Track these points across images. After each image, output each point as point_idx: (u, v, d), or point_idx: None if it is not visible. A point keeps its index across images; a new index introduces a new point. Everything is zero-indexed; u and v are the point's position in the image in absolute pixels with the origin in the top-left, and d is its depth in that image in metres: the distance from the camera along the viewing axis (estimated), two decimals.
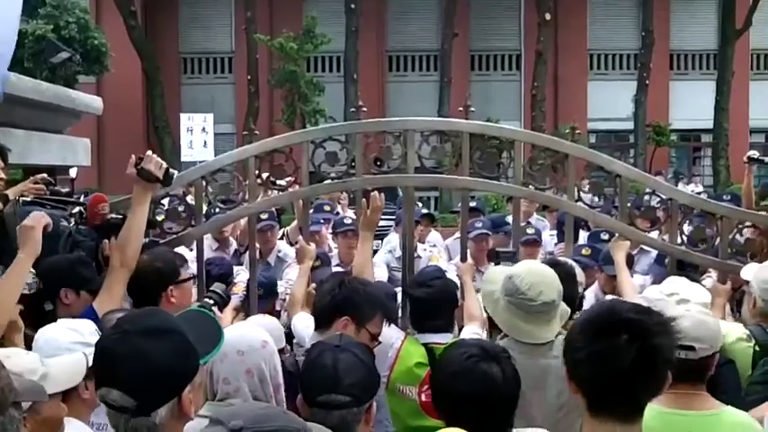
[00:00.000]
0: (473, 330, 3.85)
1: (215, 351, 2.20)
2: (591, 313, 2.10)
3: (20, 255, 3.14)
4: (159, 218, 4.32)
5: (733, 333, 3.52)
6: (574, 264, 4.62)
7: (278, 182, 4.62)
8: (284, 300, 4.86)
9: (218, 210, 4.67)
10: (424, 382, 3.63)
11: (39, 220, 3.27)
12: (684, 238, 4.54)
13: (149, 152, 3.79)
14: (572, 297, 3.53)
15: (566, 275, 3.97)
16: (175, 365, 1.95)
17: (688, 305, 3.42)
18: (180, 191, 4.69)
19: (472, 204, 7.06)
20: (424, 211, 7.84)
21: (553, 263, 4.35)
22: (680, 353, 2.73)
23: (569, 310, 3.34)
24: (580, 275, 4.76)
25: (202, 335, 2.12)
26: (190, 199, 4.87)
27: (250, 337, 2.84)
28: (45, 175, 4.38)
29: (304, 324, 4.02)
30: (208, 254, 5.53)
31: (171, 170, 3.79)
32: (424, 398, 3.62)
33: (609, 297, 4.23)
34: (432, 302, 3.74)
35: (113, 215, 3.87)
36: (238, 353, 2.76)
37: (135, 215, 3.69)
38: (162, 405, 1.93)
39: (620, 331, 1.97)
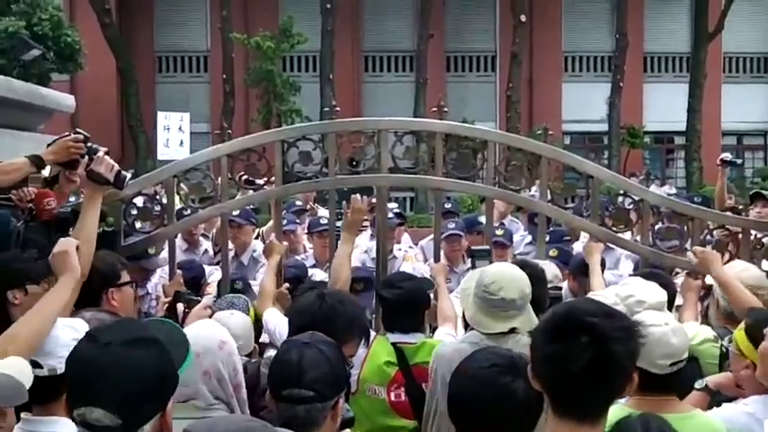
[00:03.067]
0: (447, 331, 3.87)
1: (186, 363, 2.18)
2: (554, 313, 2.09)
3: (62, 278, 2.98)
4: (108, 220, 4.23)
5: (701, 334, 3.56)
6: (548, 264, 4.66)
7: (256, 181, 4.60)
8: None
9: (189, 209, 4.64)
10: (394, 381, 3.64)
11: (69, 243, 3.13)
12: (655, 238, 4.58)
13: (100, 153, 3.60)
14: (540, 299, 3.55)
15: (534, 278, 3.99)
16: (162, 375, 1.92)
17: (645, 306, 3.48)
18: (152, 190, 4.65)
19: (447, 206, 7.07)
20: (396, 210, 7.82)
21: (522, 264, 4.38)
22: (673, 368, 2.78)
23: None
24: (553, 272, 4.81)
25: (172, 346, 2.09)
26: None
27: (206, 338, 2.82)
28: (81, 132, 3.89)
29: (275, 321, 4.01)
30: (178, 255, 5.50)
31: (123, 173, 3.64)
32: (393, 397, 3.63)
33: None
34: (401, 303, 3.74)
35: (61, 209, 3.76)
36: (194, 355, 2.73)
37: (85, 218, 3.45)
38: (147, 422, 1.89)
39: (578, 334, 1.95)
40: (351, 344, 3.18)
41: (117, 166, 3.59)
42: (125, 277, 3.57)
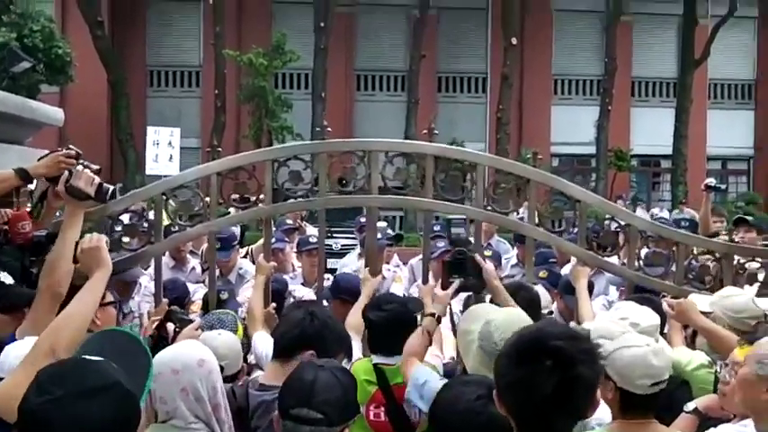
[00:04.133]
0: (434, 353, 3.86)
1: (148, 383, 2.14)
2: (518, 339, 2.08)
3: (97, 274, 2.99)
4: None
5: (696, 360, 3.56)
6: (540, 289, 4.68)
7: (249, 197, 4.58)
8: (243, 318, 4.83)
9: (177, 227, 4.63)
10: (373, 399, 3.64)
11: (99, 238, 3.13)
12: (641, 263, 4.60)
13: (79, 167, 3.50)
14: (535, 321, 3.54)
15: (529, 301, 4.02)
16: (119, 423, 1.87)
17: (638, 329, 3.50)
18: (140, 207, 4.64)
19: (436, 229, 7.10)
20: (390, 232, 7.83)
21: (518, 287, 4.40)
22: (654, 388, 2.79)
23: None
24: (545, 297, 4.83)
25: (131, 364, 2.07)
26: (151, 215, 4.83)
27: (185, 356, 2.81)
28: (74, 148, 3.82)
29: (265, 345, 3.99)
30: (165, 273, 5.48)
31: (106, 185, 3.52)
32: (372, 416, 3.63)
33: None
34: (386, 325, 3.73)
35: (36, 233, 3.68)
36: (173, 371, 2.73)
37: (65, 235, 3.30)
38: None
39: (542, 358, 1.96)
40: (338, 358, 3.26)
41: (98, 180, 3.49)
42: (109, 297, 3.56)
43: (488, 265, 4.07)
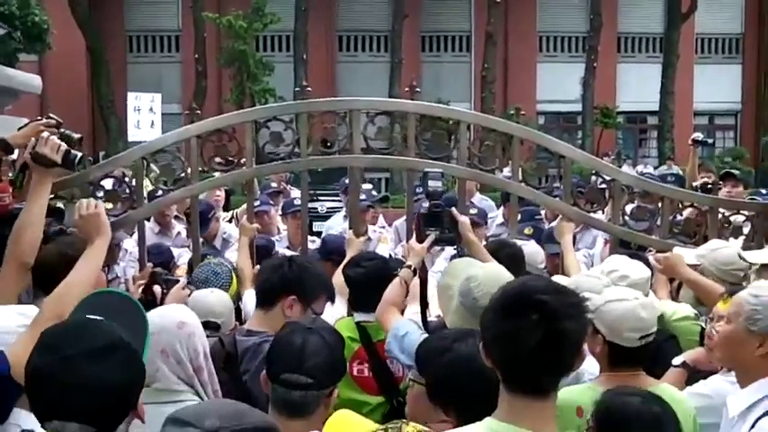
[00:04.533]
0: (414, 311, 3.84)
1: (147, 341, 2.15)
2: (503, 293, 2.08)
3: (97, 242, 3.02)
4: (59, 204, 4.13)
5: (680, 311, 3.58)
6: (533, 245, 4.68)
7: (232, 160, 4.52)
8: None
9: (161, 192, 4.58)
10: (356, 356, 3.68)
11: (97, 204, 3.17)
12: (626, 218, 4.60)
13: (45, 133, 3.41)
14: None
15: (512, 257, 4.01)
16: (129, 382, 1.88)
17: (627, 281, 3.51)
18: (120, 172, 4.58)
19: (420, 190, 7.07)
20: (375, 193, 7.80)
21: (501, 244, 4.39)
22: (642, 341, 2.82)
23: None
24: (539, 255, 4.84)
25: (128, 323, 2.07)
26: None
27: (164, 318, 2.80)
28: (54, 117, 3.77)
29: (254, 304, 3.98)
30: (150, 238, 5.45)
31: (73, 152, 3.41)
32: (356, 372, 3.67)
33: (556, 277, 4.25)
34: (364, 282, 3.74)
35: (17, 205, 3.54)
36: (151, 333, 2.71)
37: (31, 203, 3.24)
38: (122, 422, 1.88)
39: (528, 312, 1.95)
40: (320, 301, 3.34)
41: (65, 146, 3.39)
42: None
43: (464, 218, 4.05)
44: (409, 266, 3.75)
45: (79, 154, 3.50)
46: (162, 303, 3.73)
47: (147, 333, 2.22)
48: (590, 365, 3.04)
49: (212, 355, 3.03)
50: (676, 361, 3.21)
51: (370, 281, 3.70)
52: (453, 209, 4.10)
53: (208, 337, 3.47)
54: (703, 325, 3.44)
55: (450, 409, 2.43)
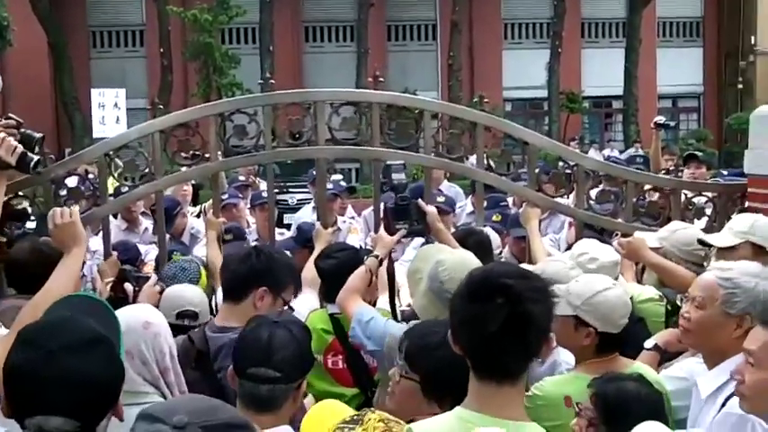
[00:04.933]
0: (386, 301, 3.86)
1: (121, 341, 2.14)
2: (471, 277, 2.10)
3: (74, 251, 2.96)
4: (21, 205, 4.08)
5: (645, 293, 3.62)
6: (488, 231, 4.70)
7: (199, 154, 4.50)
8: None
9: (127, 188, 4.56)
10: (330, 348, 3.67)
11: (73, 212, 3.08)
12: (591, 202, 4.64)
13: (2, 135, 3.39)
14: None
15: (480, 244, 4.04)
16: (112, 376, 1.87)
17: (597, 263, 3.55)
18: (83, 169, 4.54)
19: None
20: (344, 184, 7.81)
21: (468, 232, 4.42)
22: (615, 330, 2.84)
23: None
24: (495, 240, 4.86)
25: (103, 326, 2.03)
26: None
27: (130, 318, 2.74)
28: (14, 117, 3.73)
29: None
30: (117, 235, 5.41)
31: (30, 156, 3.40)
32: (330, 364, 3.67)
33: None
34: (336, 274, 3.71)
35: None
36: None
37: None
38: (104, 417, 1.87)
39: (493, 295, 1.97)
40: (288, 290, 3.28)
41: (21, 149, 3.37)
42: None
43: (431, 209, 4.07)
44: (376, 256, 3.76)
45: (36, 157, 3.46)
46: (135, 301, 3.68)
47: (120, 335, 2.20)
48: (567, 356, 3.08)
49: (182, 353, 3.00)
50: (648, 344, 3.23)
51: (342, 272, 3.68)
52: (420, 200, 4.11)
53: (186, 327, 3.49)
54: (668, 306, 3.50)
55: (447, 401, 2.39)
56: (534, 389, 2.81)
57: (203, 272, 4.18)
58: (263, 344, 2.42)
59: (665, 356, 3.21)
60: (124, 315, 2.75)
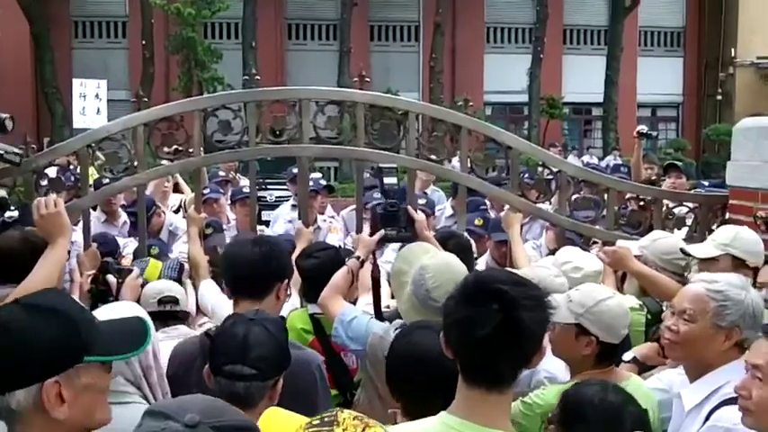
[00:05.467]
0: (368, 301, 3.85)
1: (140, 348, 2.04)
2: (465, 281, 2.10)
3: (59, 241, 2.96)
4: (0, 194, 4.06)
5: (626, 302, 3.61)
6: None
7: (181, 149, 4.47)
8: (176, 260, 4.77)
9: (109, 180, 4.53)
10: (310, 348, 3.62)
11: (57, 202, 3.07)
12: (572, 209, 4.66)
13: None
14: (468, 268, 3.55)
15: (461, 247, 4.04)
16: (31, 345, 1.75)
17: (582, 273, 3.55)
18: (64, 160, 4.51)
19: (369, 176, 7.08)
20: (323, 182, 7.79)
21: (448, 235, 4.42)
22: (615, 340, 2.85)
23: None
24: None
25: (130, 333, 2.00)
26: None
27: (112, 315, 2.71)
28: None
29: (212, 294, 3.94)
30: (96, 227, 5.37)
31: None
32: None
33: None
34: (317, 273, 3.70)
35: None
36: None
37: None
38: (17, 387, 1.75)
39: (488, 300, 1.96)
40: (285, 284, 3.15)
41: None
42: None
43: (420, 216, 4.06)
44: (357, 257, 3.75)
45: (3, 151, 3.43)
46: (118, 293, 3.65)
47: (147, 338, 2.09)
48: (548, 364, 3.06)
49: (199, 353, 2.89)
50: (627, 356, 3.21)
51: (323, 271, 3.66)
52: (409, 207, 4.09)
53: (169, 312, 3.51)
54: (648, 315, 3.51)
55: None
56: (534, 396, 2.81)
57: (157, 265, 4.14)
58: (239, 341, 2.40)
59: (642, 369, 3.22)
60: (106, 314, 2.73)
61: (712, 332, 2.61)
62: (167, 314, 3.56)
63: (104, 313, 2.70)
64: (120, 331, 1.97)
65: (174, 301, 3.60)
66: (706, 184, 6.49)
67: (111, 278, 3.76)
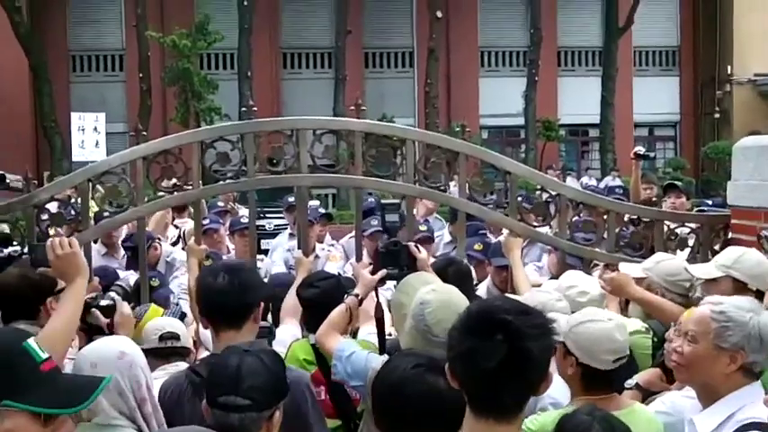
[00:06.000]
0: (369, 331, 3.83)
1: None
2: (469, 311, 2.08)
3: (78, 281, 2.93)
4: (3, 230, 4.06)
5: (631, 326, 3.57)
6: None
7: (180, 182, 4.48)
8: (177, 304, 4.76)
9: (109, 213, 4.53)
10: (313, 379, 3.56)
11: (73, 242, 3.03)
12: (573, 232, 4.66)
13: None
14: (467, 295, 3.53)
15: (460, 275, 4.02)
16: None
17: (587, 297, 3.53)
18: (65, 194, 4.52)
19: (370, 201, 7.10)
20: (322, 210, 7.80)
21: (447, 262, 4.40)
22: (616, 364, 2.81)
23: None
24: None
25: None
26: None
27: (104, 349, 2.71)
28: None
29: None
30: (96, 260, 5.38)
31: None
32: None
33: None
34: (318, 303, 3.68)
35: None
36: (91, 365, 2.62)
37: None
38: None
39: (493, 331, 1.95)
40: (261, 307, 3.10)
41: None
42: (62, 283, 3.43)
43: (422, 255, 3.99)
44: (356, 295, 3.67)
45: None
46: (112, 329, 3.61)
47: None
48: (553, 390, 3.05)
49: (185, 388, 2.91)
50: (630, 383, 3.18)
51: (324, 301, 3.64)
52: (411, 245, 4.04)
53: (171, 349, 3.49)
54: (654, 339, 3.47)
55: None
56: (528, 422, 2.75)
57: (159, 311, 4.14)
58: (232, 372, 2.39)
59: (646, 395, 3.19)
60: (99, 345, 2.74)
61: (715, 353, 2.57)
62: (169, 350, 3.54)
63: (91, 348, 2.72)
64: (68, 388, 1.92)
65: (176, 337, 3.59)
66: (709, 203, 6.47)
67: (101, 317, 3.69)
